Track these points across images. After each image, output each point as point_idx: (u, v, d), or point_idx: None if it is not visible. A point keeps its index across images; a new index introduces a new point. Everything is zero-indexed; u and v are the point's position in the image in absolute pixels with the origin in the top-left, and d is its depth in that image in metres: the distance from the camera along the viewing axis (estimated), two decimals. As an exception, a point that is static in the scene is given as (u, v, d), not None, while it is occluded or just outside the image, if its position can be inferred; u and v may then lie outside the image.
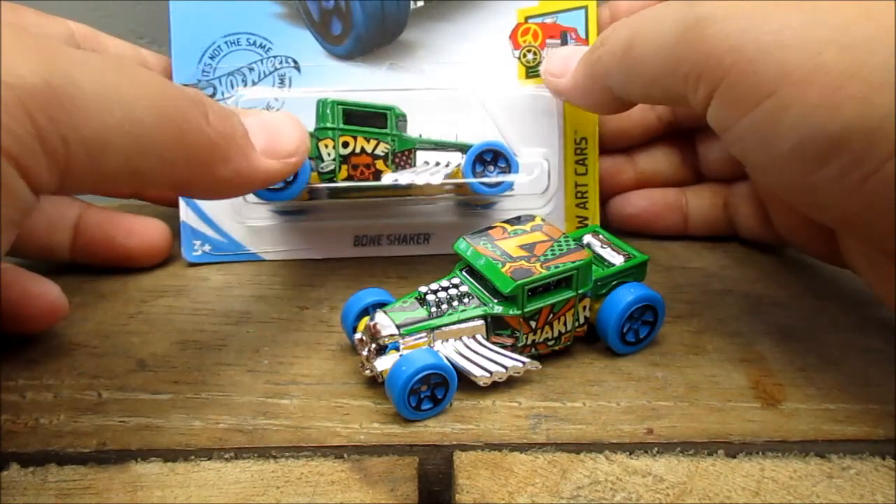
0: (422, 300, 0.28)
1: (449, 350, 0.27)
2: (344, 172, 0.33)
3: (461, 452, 0.25)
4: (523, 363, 0.27)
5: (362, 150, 0.33)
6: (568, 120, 0.36)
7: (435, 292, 0.28)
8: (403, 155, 0.33)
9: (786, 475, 0.25)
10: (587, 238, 0.31)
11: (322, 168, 0.32)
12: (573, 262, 0.28)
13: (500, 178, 0.34)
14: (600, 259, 0.30)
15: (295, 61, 0.34)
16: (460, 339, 0.28)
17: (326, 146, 0.32)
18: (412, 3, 0.34)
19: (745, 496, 0.24)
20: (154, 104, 0.23)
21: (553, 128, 0.35)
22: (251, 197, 0.33)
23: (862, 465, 0.25)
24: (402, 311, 0.27)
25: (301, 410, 0.27)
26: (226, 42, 0.34)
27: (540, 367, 0.28)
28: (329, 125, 0.32)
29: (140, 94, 0.22)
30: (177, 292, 0.33)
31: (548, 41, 0.35)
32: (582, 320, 0.29)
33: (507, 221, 0.30)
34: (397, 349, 0.27)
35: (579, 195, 0.36)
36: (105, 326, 0.31)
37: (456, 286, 0.28)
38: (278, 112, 0.29)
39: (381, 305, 0.28)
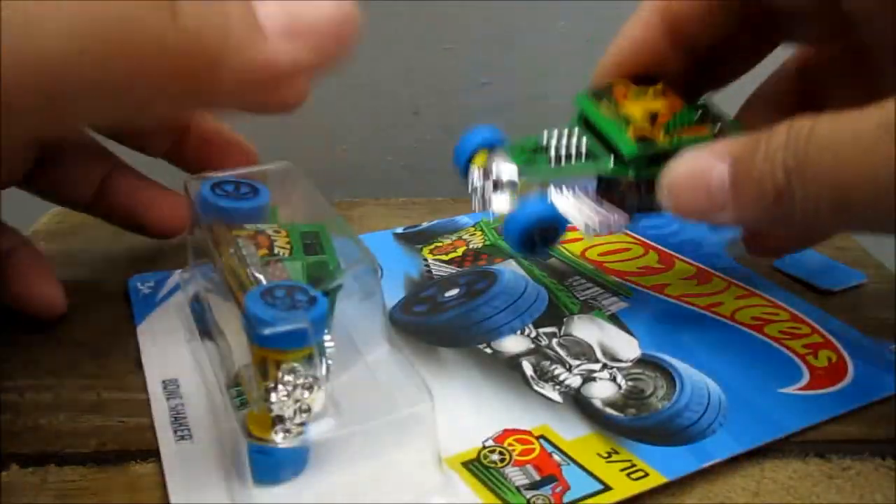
0: (541, 148, 0.28)
1: (560, 198, 0.28)
2: None
3: (461, 452, 0.25)
4: (627, 218, 0.28)
5: None
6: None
7: (557, 142, 0.28)
8: None
9: (786, 475, 0.25)
10: (702, 111, 0.30)
11: None
12: (695, 135, 0.27)
13: None
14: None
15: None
16: (572, 188, 0.28)
17: None
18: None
19: (745, 496, 0.24)
20: (73, 22, 0.17)
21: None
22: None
23: (862, 465, 0.25)
24: (524, 154, 0.28)
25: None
26: None
27: (630, 222, 0.28)
28: None
29: (52, 14, 0.17)
30: (177, 292, 0.33)
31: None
32: None
33: (632, 80, 0.30)
34: (514, 189, 0.27)
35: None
36: (105, 326, 0.31)
37: (575, 138, 0.28)
38: None
39: (494, 144, 0.28)
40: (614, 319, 0.31)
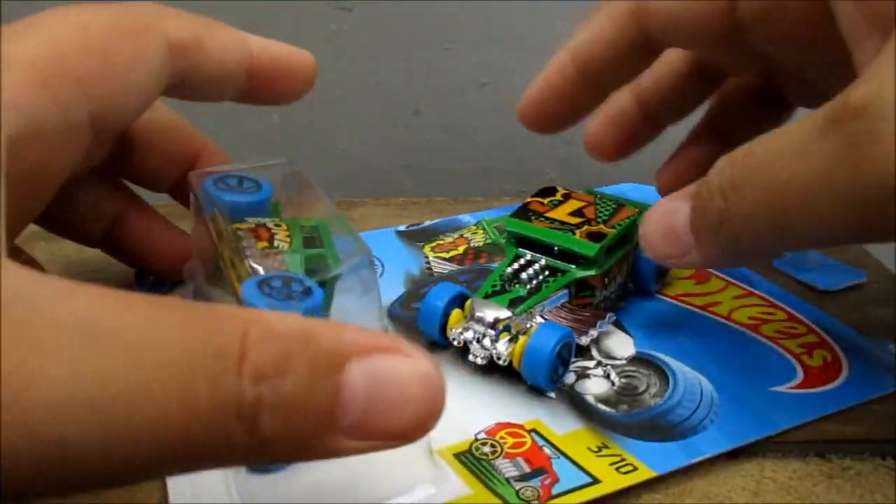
0: (510, 281, 0.29)
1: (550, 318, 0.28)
2: None
3: (461, 452, 0.25)
4: (606, 317, 0.29)
5: None
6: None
7: (523, 271, 0.29)
8: None
9: (786, 475, 0.25)
10: (609, 199, 0.32)
11: None
12: (628, 217, 0.31)
13: None
14: None
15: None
16: (551, 309, 0.29)
17: None
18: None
19: (745, 496, 0.24)
20: (116, 443, 0.15)
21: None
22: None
23: (862, 465, 0.25)
24: (502, 295, 0.28)
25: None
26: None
27: (615, 317, 0.30)
28: None
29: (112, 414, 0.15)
30: (177, 292, 0.33)
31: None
32: (627, 272, 0.32)
33: (536, 196, 0.32)
34: (508, 331, 0.27)
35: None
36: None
37: (532, 262, 0.30)
38: (412, 357, 0.17)
39: (461, 297, 0.29)
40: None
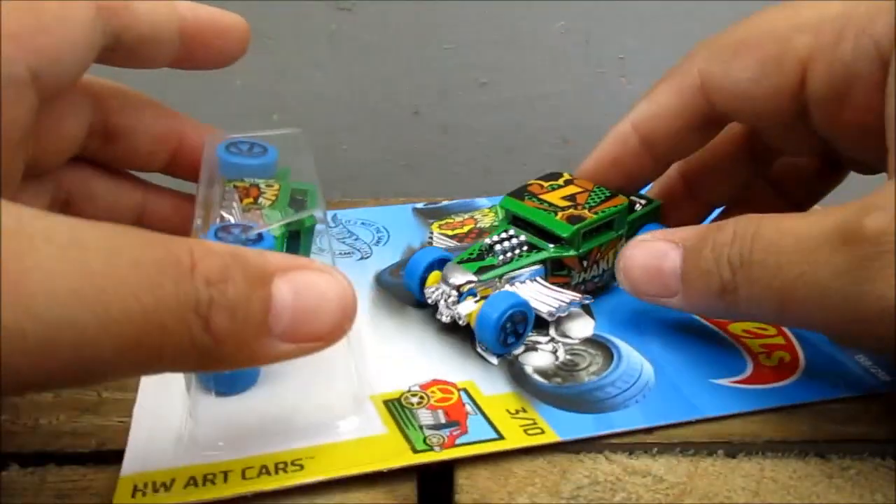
0: (487, 251, 0.31)
1: (518, 291, 0.30)
2: None
3: (461, 452, 0.25)
4: (580, 298, 0.30)
5: None
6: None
7: (499, 242, 0.31)
8: None
9: (786, 475, 0.25)
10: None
11: None
12: (615, 206, 0.32)
13: None
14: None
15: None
16: (524, 281, 0.30)
17: None
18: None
19: (745, 496, 0.24)
20: (108, 323, 0.17)
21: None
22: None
23: (862, 465, 0.25)
24: (473, 262, 0.30)
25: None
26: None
27: (592, 300, 0.31)
28: None
29: (90, 324, 0.17)
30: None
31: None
32: None
33: (540, 179, 0.34)
34: (474, 295, 0.29)
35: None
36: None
37: (513, 237, 0.31)
38: (327, 273, 0.21)
39: (444, 261, 0.31)
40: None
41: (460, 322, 0.29)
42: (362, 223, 0.38)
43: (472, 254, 0.31)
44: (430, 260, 0.31)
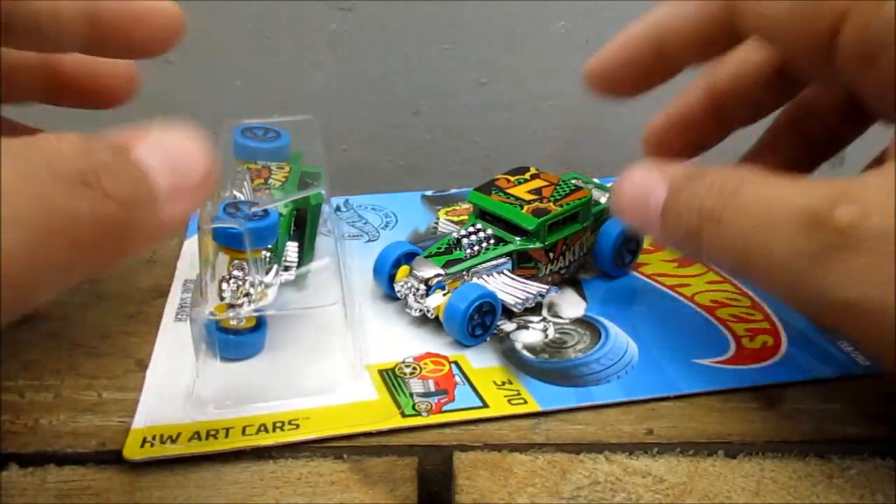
0: (455, 245, 0.31)
1: (486, 283, 0.31)
2: None
3: (461, 453, 0.25)
4: (547, 289, 0.31)
5: None
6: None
7: (466, 237, 0.31)
8: None
9: (786, 475, 0.25)
10: (574, 181, 0.34)
11: None
12: (579, 199, 0.32)
13: None
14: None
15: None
16: (491, 274, 0.31)
17: None
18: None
19: (745, 496, 0.24)
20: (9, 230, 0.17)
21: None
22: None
23: (862, 465, 0.25)
24: (441, 256, 0.31)
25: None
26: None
27: (560, 291, 0.32)
28: None
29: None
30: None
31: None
32: (585, 250, 0.34)
33: (507, 173, 0.34)
34: (442, 288, 0.30)
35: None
36: (105, 326, 0.31)
37: (480, 230, 0.32)
38: (176, 130, 0.22)
39: (412, 255, 0.32)
40: (575, 284, 0.34)
41: (429, 315, 0.30)
42: (372, 208, 0.40)
43: (440, 248, 0.31)
44: (399, 254, 0.32)
